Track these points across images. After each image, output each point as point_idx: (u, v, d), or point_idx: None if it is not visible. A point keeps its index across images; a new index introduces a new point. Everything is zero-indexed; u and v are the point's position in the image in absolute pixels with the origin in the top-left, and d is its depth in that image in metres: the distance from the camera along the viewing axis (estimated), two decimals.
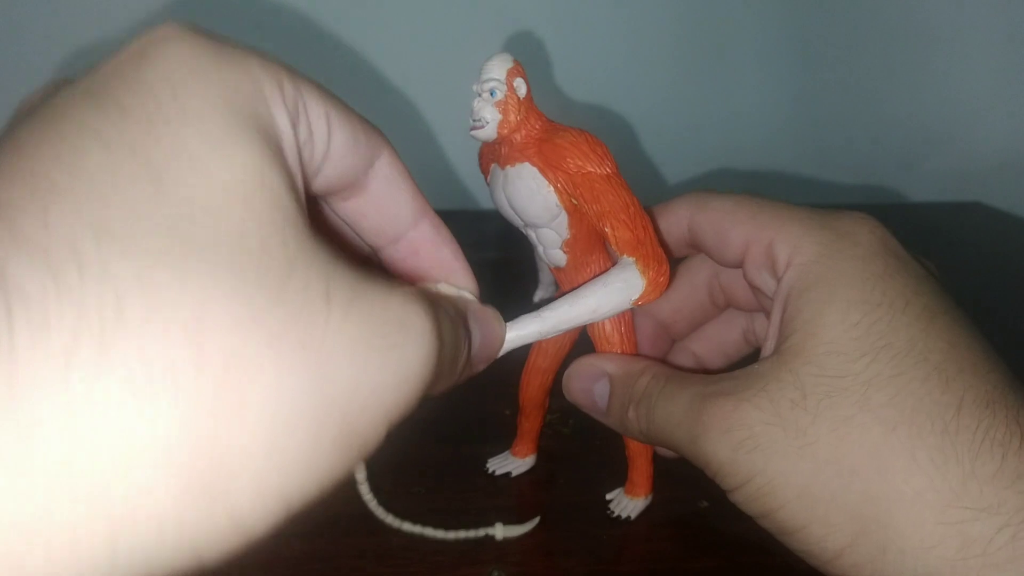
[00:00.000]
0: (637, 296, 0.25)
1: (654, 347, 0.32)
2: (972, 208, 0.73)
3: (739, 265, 0.27)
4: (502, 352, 0.25)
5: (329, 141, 0.19)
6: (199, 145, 0.15)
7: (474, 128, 0.26)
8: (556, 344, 0.31)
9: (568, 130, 0.26)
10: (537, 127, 0.26)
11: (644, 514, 0.31)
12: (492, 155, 0.28)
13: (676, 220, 0.28)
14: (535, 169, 0.26)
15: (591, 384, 0.28)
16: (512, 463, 0.34)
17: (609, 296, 0.25)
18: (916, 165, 0.75)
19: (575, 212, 0.26)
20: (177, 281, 0.14)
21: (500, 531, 0.29)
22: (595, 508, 0.31)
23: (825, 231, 0.24)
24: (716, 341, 0.33)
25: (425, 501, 0.32)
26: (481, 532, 0.29)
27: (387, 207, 0.22)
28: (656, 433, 0.25)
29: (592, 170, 0.26)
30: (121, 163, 0.14)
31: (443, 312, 0.19)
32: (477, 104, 0.26)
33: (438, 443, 0.35)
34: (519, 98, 0.26)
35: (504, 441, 0.35)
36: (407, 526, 0.27)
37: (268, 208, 0.16)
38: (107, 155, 0.14)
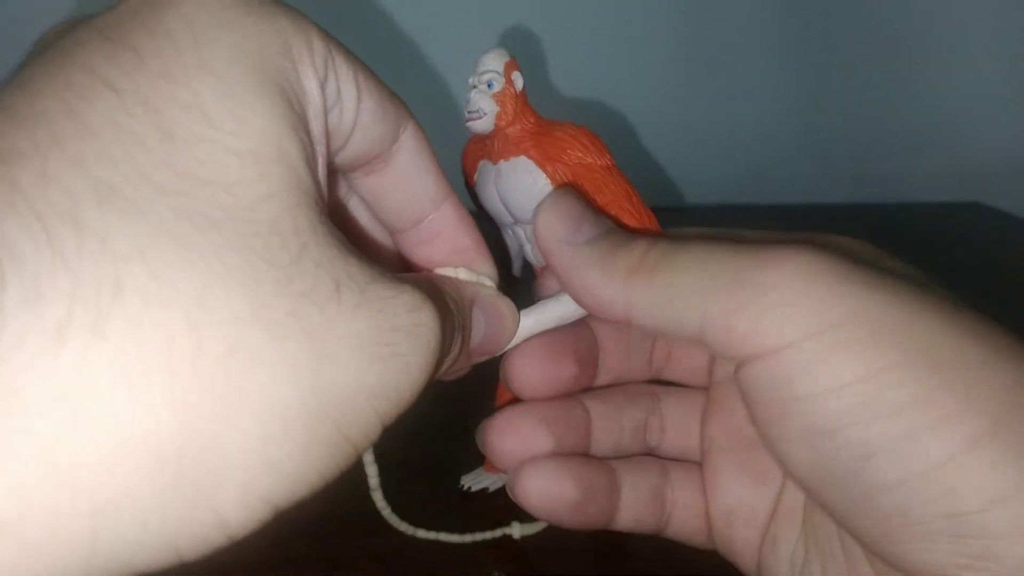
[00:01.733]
0: None
1: (584, 359, 0.25)
2: (972, 208, 0.73)
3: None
4: (517, 342, 0.23)
5: (358, 107, 0.18)
6: (216, 105, 0.14)
7: (470, 120, 0.26)
8: None
9: (565, 124, 0.26)
10: (531, 122, 0.26)
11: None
12: (481, 151, 0.27)
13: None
14: (532, 162, 0.26)
15: (579, 218, 0.21)
16: (488, 479, 0.33)
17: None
18: (916, 165, 0.75)
19: None
20: (181, 259, 0.13)
21: (517, 530, 0.29)
22: None
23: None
24: (612, 404, 0.25)
25: (425, 501, 0.32)
26: (498, 533, 0.29)
27: (411, 185, 0.21)
28: (669, 270, 0.19)
29: (592, 161, 0.25)
30: (131, 118, 0.13)
31: (449, 315, 0.18)
32: (474, 96, 0.26)
33: (439, 443, 0.35)
34: (516, 91, 0.26)
35: None
36: (421, 533, 0.27)
37: (283, 186, 0.14)
38: (117, 107, 0.13)
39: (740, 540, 0.23)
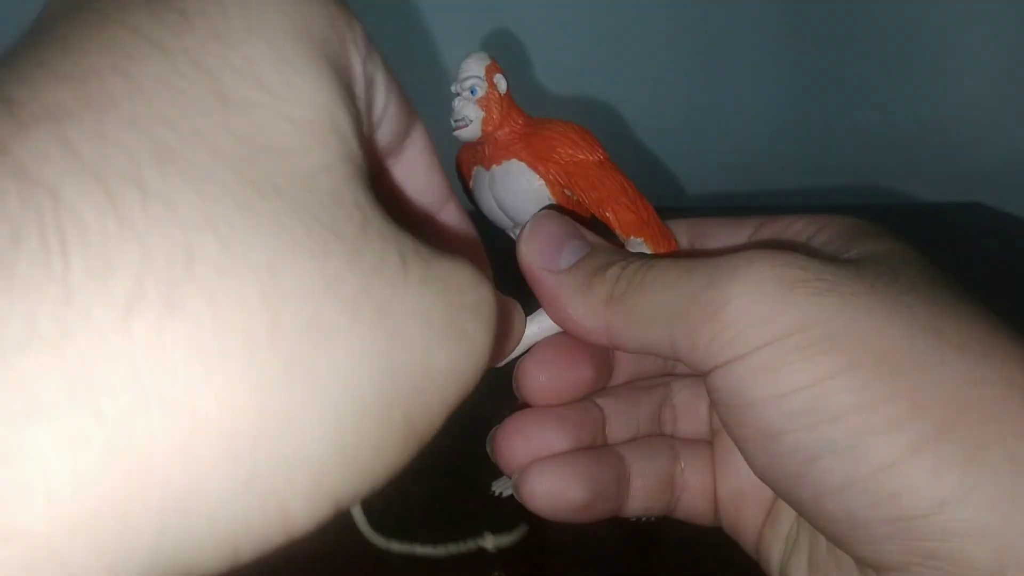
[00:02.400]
0: None
1: (599, 363, 0.25)
2: (972, 208, 0.73)
3: None
4: (521, 350, 0.23)
5: (388, 92, 0.17)
6: (269, 70, 0.13)
7: (457, 128, 0.26)
8: None
9: (553, 122, 0.26)
10: (520, 123, 0.26)
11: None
12: (473, 158, 0.27)
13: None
14: (523, 164, 0.25)
15: (559, 243, 0.22)
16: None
17: None
18: (916, 165, 0.75)
19: (568, 204, 0.26)
20: (251, 228, 0.12)
21: (491, 541, 0.29)
22: None
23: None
24: (627, 400, 0.25)
25: (425, 502, 0.31)
26: (472, 545, 0.28)
27: (418, 183, 0.21)
28: (640, 296, 0.20)
29: (584, 157, 0.25)
30: (184, 78, 0.12)
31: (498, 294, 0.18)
32: (458, 103, 0.25)
33: (439, 443, 0.35)
34: (500, 94, 0.25)
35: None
36: (395, 545, 0.26)
37: (339, 157, 0.14)
38: (168, 68, 0.12)
39: (745, 519, 0.24)
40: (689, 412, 0.25)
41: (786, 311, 0.18)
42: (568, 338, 0.23)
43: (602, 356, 0.24)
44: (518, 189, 0.25)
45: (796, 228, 0.23)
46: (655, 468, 0.24)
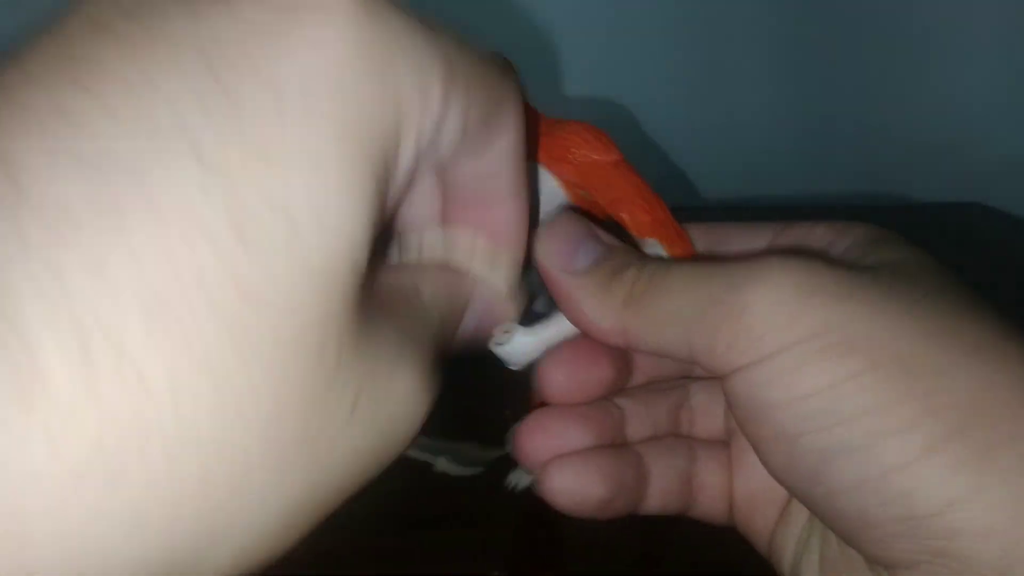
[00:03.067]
0: None
1: (619, 362, 0.25)
2: (972, 208, 0.73)
3: None
4: (539, 352, 0.23)
5: (461, 137, 0.16)
6: (302, 202, 0.12)
7: None
8: None
9: (567, 123, 0.26)
10: (535, 124, 0.26)
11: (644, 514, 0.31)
12: None
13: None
14: (540, 166, 0.25)
15: (575, 245, 0.22)
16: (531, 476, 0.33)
17: None
18: (916, 165, 0.75)
19: (584, 205, 0.26)
20: (216, 405, 0.12)
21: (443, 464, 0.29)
22: None
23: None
24: (645, 401, 0.25)
25: (425, 501, 0.32)
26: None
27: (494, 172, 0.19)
28: (657, 299, 0.20)
29: (599, 158, 0.25)
30: (207, 208, 0.11)
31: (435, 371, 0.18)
32: None
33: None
34: None
35: (502, 442, 0.35)
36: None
37: (339, 305, 0.13)
38: (194, 186, 0.11)
39: (759, 520, 0.24)
40: (706, 414, 0.26)
41: (805, 316, 0.18)
42: (588, 338, 0.23)
43: (621, 357, 0.24)
44: (534, 190, 0.25)
45: (815, 235, 0.23)
46: (673, 468, 0.24)
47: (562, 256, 0.22)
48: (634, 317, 0.20)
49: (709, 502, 0.25)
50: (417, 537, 0.29)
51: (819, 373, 0.18)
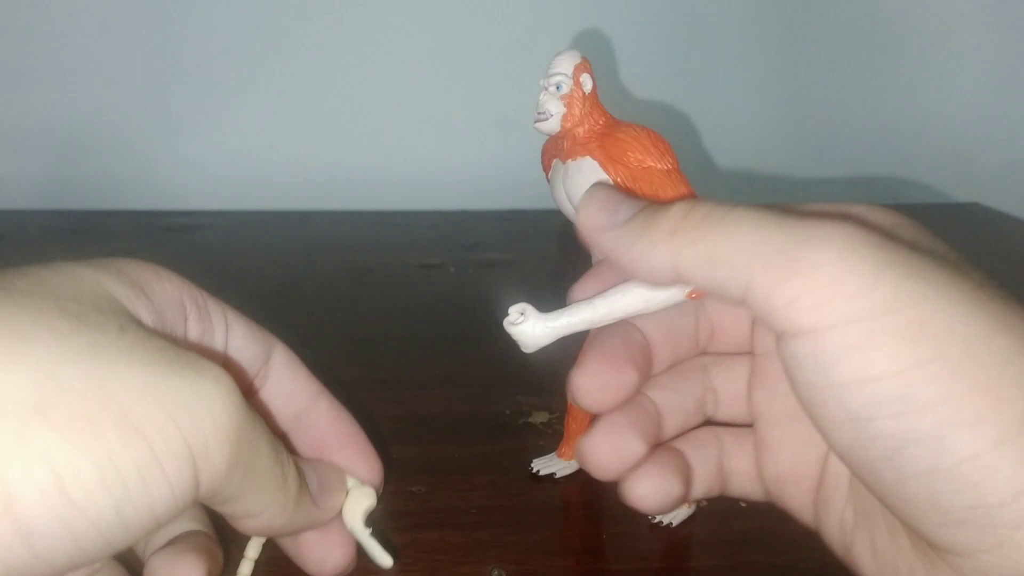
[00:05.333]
0: (691, 288, 0.24)
1: (640, 362, 0.25)
2: (971, 208, 0.73)
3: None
4: (552, 340, 0.24)
5: (228, 331, 0.23)
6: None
7: (538, 120, 0.27)
8: None
9: (630, 126, 0.27)
10: (600, 123, 0.27)
11: (644, 513, 0.31)
12: (554, 150, 0.28)
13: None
14: (595, 163, 0.26)
15: (615, 204, 0.22)
16: (557, 464, 0.34)
17: (631, 305, 0.24)
18: (915, 166, 0.75)
19: None
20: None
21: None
22: (595, 506, 0.32)
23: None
24: (673, 390, 0.26)
25: (425, 499, 0.32)
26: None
27: (287, 388, 0.25)
28: (718, 232, 0.20)
29: (652, 165, 0.26)
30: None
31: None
32: (543, 97, 0.27)
33: (438, 442, 0.36)
34: (584, 93, 0.27)
35: (504, 441, 0.36)
36: None
37: (111, 310, 0.18)
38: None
39: (793, 501, 0.24)
40: (729, 396, 0.26)
41: (877, 289, 0.18)
42: (609, 344, 0.24)
43: (642, 356, 0.25)
44: (587, 185, 0.25)
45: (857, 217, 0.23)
46: (710, 459, 0.25)
47: (603, 213, 0.22)
48: (685, 247, 0.20)
49: (741, 483, 0.26)
50: (417, 537, 0.29)
51: (889, 356, 0.17)
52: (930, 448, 0.17)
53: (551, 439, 0.36)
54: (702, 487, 0.25)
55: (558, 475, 0.33)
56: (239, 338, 0.23)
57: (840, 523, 0.23)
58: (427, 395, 0.40)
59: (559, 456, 0.34)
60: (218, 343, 0.23)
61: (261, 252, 0.59)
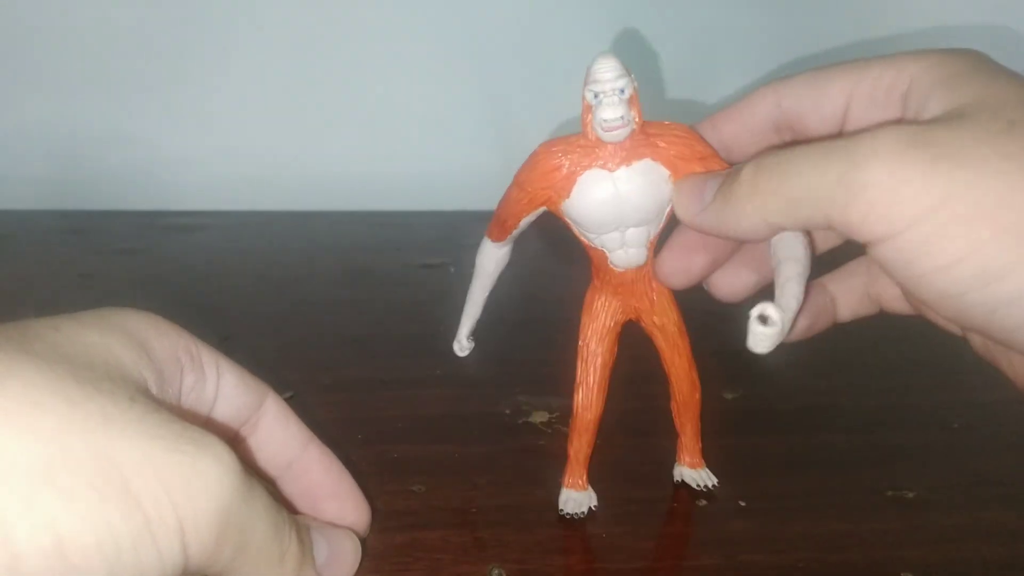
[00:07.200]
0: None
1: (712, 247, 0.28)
2: None
3: (837, 119, 0.27)
4: (785, 329, 0.23)
5: (219, 380, 0.24)
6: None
7: (615, 128, 0.25)
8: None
9: (671, 125, 0.27)
10: (640, 124, 0.26)
11: (643, 513, 0.31)
12: (578, 163, 0.26)
13: (761, 98, 0.28)
14: (658, 164, 0.26)
15: (700, 190, 0.25)
16: (576, 497, 0.31)
17: (807, 250, 0.25)
18: None
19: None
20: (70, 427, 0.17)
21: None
22: (595, 506, 0.32)
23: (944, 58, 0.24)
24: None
25: (425, 499, 0.32)
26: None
27: (279, 436, 0.26)
28: (786, 181, 0.22)
29: (709, 152, 0.27)
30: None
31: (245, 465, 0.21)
32: (614, 103, 0.25)
33: (439, 442, 0.36)
34: (636, 95, 0.26)
35: (504, 441, 0.36)
36: None
37: (121, 378, 0.19)
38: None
39: (937, 318, 0.27)
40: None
41: (930, 187, 0.20)
42: (682, 236, 0.28)
43: (721, 246, 0.28)
44: (651, 187, 0.26)
45: (888, 81, 0.25)
46: (854, 285, 0.29)
47: (693, 202, 0.25)
48: (767, 205, 0.23)
49: (891, 303, 0.29)
50: (417, 537, 0.29)
51: (956, 241, 0.20)
52: (1019, 306, 0.20)
53: (551, 439, 0.36)
54: (847, 311, 0.29)
55: (593, 507, 0.31)
56: (230, 387, 0.24)
57: (982, 339, 0.26)
58: (427, 395, 0.40)
59: (567, 487, 0.31)
60: (209, 391, 0.24)
61: (261, 252, 0.59)
